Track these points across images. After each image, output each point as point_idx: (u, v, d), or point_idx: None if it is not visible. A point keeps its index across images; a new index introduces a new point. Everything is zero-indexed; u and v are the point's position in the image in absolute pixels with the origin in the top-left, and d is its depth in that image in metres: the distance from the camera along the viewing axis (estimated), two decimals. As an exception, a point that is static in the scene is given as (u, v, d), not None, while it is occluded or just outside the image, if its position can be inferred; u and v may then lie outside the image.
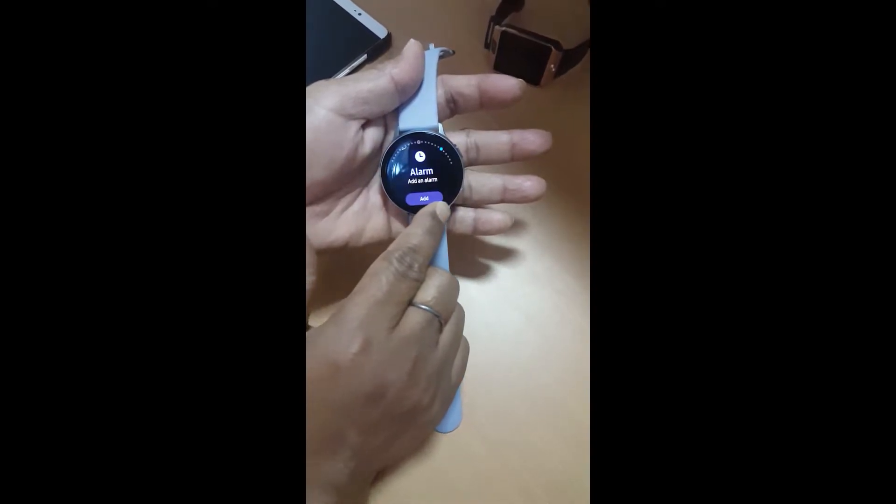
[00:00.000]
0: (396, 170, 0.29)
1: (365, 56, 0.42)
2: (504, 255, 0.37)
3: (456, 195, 0.29)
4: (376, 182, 0.31)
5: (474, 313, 0.33)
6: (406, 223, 0.31)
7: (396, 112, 0.29)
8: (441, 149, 0.29)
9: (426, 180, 0.29)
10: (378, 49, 0.42)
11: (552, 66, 0.39)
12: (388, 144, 0.29)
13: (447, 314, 0.27)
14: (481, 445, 0.31)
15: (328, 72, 0.41)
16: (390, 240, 0.28)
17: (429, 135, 0.29)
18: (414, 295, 0.26)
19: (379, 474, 0.30)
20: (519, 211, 0.37)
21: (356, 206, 0.30)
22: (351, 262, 0.31)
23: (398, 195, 0.29)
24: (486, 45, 0.42)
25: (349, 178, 0.29)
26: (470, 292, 0.35)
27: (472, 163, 0.31)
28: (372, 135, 0.28)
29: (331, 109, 0.26)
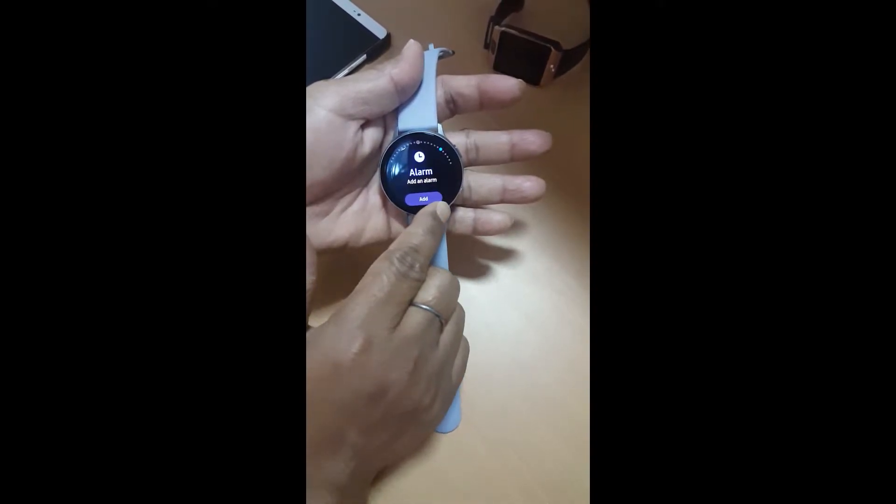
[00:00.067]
0: (396, 170, 0.29)
1: (364, 56, 0.42)
2: (504, 255, 0.37)
3: (455, 195, 0.29)
4: (376, 182, 0.31)
5: (474, 313, 0.33)
6: (405, 223, 0.31)
7: (396, 112, 0.29)
8: (440, 149, 0.29)
9: (425, 181, 0.29)
10: (377, 49, 0.42)
11: (552, 66, 0.39)
12: (387, 145, 0.29)
13: (448, 314, 0.27)
14: (481, 445, 0.31)
15: (327, 72, 0.41)
16: (390, 240, 0.28)
17: (428, 135, 0.29)
18: (415, 295, 0.26)
19: (379, 474, 0.30)
20: (519, 211, 0.37)
21: (356, 206, 0.30)
22: (351, 262, 0.31)
23: (397, 195, 0.29)
24: (486, 46, 0.42)
25: (349, 179, 0.29)
26: (470, 292, 0.35)
27: (472, 163, 0.31)
28: (371, 135, 0.28)
29: (330, 110, 0.26)
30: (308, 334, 0.24)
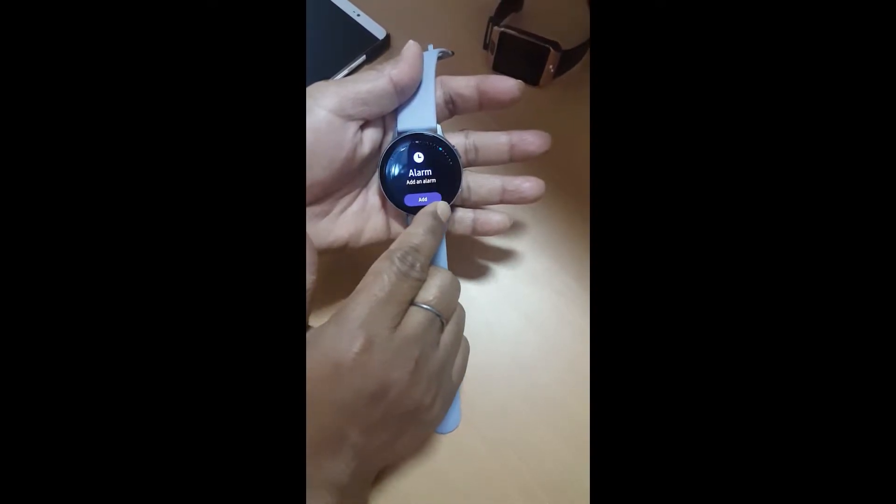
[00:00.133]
0: (395, 170, 0.29)
1: (364, 57, 0.42)
2: (503, 255, 0.37)
3: (454, 196, 0.29)
4: (375, 183, 0.31)
5: (474, 313, 0.33)
6: (405, 224, 0.31)
7: (395, 113, 0.29)
8: (440, 149, 0.29)
9: (425, 181, 0.29)
10: (377, 50, 0.42)
11: (551, 66, 0.39)
12: (386, 145, 0.29)
13: (448, 314, 0.27)
14: (481, 445, 0.32)
15: (327, 73, 0.41)
16: (389, 240, 0.28)
17: (427, 136, 0.29)
18: (415, 294, 0.26)
19: (379, 474, 0.30)
20: (518, 211, 0.37)
21: (355, 206, 0.30)
22: (351, 262, 0.31)
23: (397, 196, 0.29)
24: (485, 46, 0.42)
25: (348, 179, 0.29)
26: (470, 292, 0.35)
27: (471, 164, 0.31)
28: (371, 135, 0.29)
29: (330, 110, 0.26)
30: (308, 334, 0.24)
